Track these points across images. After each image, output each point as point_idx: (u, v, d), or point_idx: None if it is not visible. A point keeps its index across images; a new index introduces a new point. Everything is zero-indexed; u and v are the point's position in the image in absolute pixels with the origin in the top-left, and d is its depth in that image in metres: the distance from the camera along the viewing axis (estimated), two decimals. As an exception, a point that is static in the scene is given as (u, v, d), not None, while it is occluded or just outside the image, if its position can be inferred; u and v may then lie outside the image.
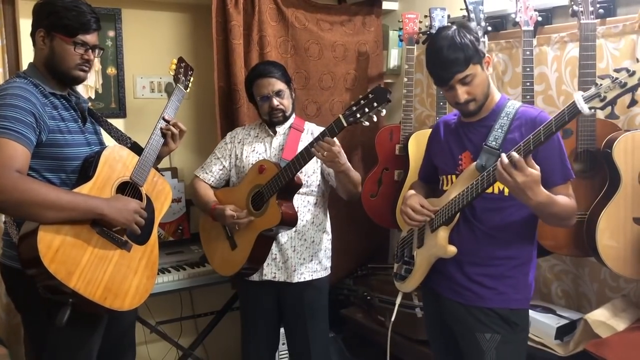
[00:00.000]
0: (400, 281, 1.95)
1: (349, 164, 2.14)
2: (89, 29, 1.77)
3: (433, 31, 2.59)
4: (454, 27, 1.71)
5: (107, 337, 1.88)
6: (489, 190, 1.69)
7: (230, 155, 2.39)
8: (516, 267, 1.76)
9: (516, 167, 1.51)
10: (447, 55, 1.65)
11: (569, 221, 1.70)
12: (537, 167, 1.53)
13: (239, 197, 2.26)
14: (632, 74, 1.40)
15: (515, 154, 1.52)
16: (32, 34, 1.80)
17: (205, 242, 2.45)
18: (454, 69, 1.65)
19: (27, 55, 2.44)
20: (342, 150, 2.06)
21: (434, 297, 1.89)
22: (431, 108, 2.88)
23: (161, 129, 2.00)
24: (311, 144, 2.03)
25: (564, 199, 1.65)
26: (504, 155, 1.54)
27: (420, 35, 2.73)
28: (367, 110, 1.92)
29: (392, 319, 2.10)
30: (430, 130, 2.06)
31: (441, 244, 1.75)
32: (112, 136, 2.05)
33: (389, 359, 2.23)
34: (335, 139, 2.03)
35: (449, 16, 2.59)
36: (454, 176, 1.82)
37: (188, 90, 2.20)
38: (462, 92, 1.69)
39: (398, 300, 2.08)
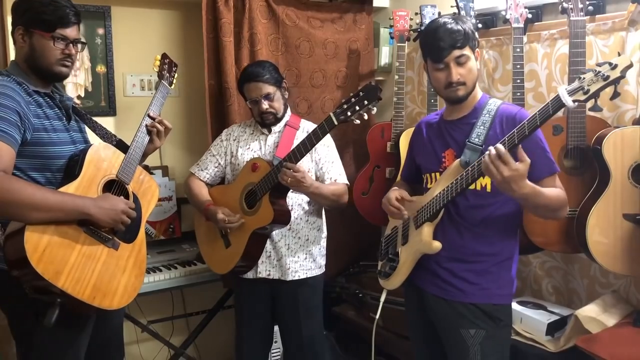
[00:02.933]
0: (385, 278, 1.95)
1: (316, 183, 2.15)
2: (67, 22, 1.74)
3: (423, 28, 2.60)
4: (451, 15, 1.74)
5: (95, 336, 1.87)
6: (472, 187, 1.70)
7: (226, 152, 2.38)
8: (499, 263, 1.77)
9: (502, 161, 1.51)
10: (450, 27, 1.69)
11: (559, 212, 1.70)
12: (528, 159, 1.53)
13: (232, 196, 2.26)
14: (614, 67, 1.42)
15: (501, 147, 1.52)
16: (12, 33, 1.77)
17: (200, 240, 2.45)
18: (455, 41, 1.68)
19: (15, 52, 2.43)
20: (307, 174, 2.07)
21: (417, 294, 1.89)
22: (422, 105, 2.88)
23: (146, 126, 1.99)
24: (302, 143, 2.03)
25: (552, 189, 1.65)
26: (492, 148, 1.54)
27: (411, 32, 2.73)
28: (357, 108, 1.92)
29: (377, 316, 2.09)
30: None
31: (426, 239, 1.76)
32: (96, 134, 2.02)
33: (381, 356, 2.23)
34: (299, 164, 2.04)
35: (439, 13, 2.59)
36: (437, 174, 1.83)
37: (173, 87, 2.18)
38: (455, 72, 1.70)
39: (382, 298, 2.07)
